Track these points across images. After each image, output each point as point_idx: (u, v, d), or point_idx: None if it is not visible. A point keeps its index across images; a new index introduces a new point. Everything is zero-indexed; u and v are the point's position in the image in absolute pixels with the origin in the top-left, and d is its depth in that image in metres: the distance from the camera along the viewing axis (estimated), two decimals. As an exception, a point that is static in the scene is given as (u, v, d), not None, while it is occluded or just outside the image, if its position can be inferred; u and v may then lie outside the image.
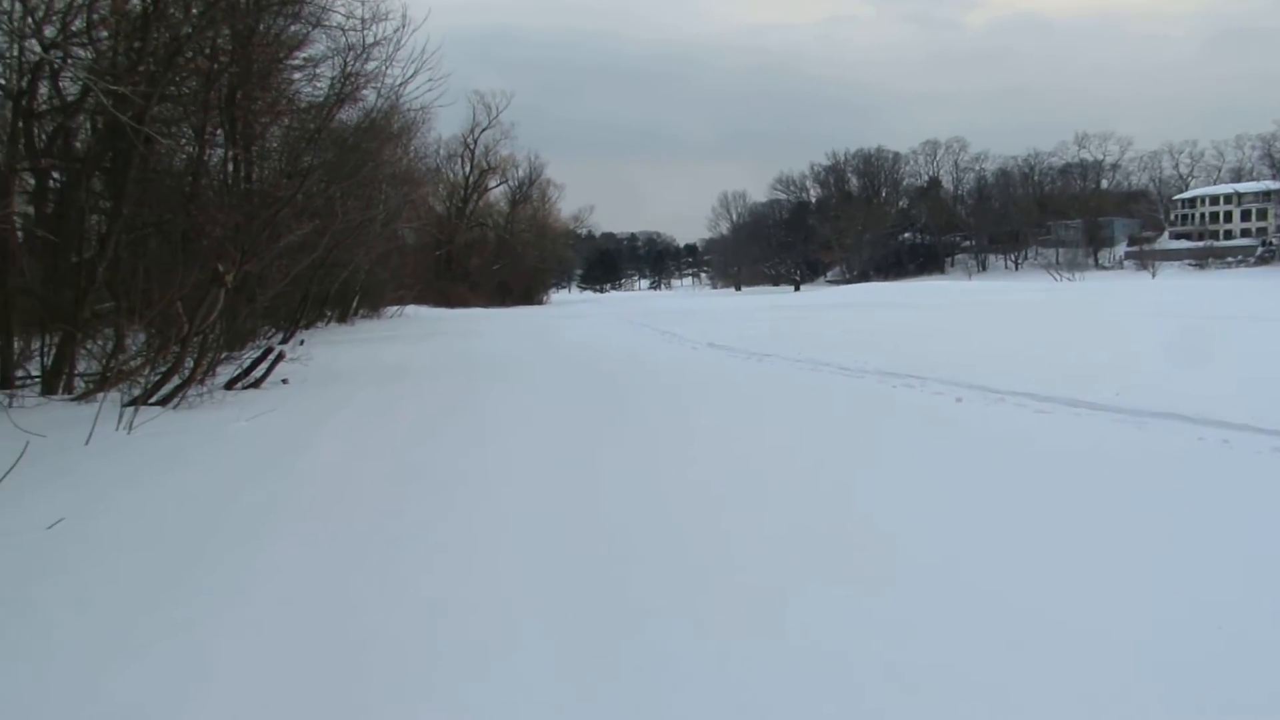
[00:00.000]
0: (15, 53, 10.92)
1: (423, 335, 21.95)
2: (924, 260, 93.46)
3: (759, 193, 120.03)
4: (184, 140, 13.57)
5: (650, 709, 2.42)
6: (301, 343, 16.27)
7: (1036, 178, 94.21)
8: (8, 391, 8.79)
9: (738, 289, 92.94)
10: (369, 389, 10.17)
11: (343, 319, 29.37)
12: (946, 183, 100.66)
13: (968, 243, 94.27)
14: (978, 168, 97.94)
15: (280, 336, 17.49)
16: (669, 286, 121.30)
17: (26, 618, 3.16)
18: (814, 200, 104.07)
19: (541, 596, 3.27)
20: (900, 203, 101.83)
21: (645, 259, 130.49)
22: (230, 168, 15.61)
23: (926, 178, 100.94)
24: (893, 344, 13.78)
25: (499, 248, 69.25)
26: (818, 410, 7.82)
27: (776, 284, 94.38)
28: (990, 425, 6.52)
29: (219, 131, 14.78)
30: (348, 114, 17.80)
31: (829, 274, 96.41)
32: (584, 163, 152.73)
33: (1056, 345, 13.10)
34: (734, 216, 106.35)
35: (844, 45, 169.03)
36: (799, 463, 5.58)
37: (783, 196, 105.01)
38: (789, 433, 6.72)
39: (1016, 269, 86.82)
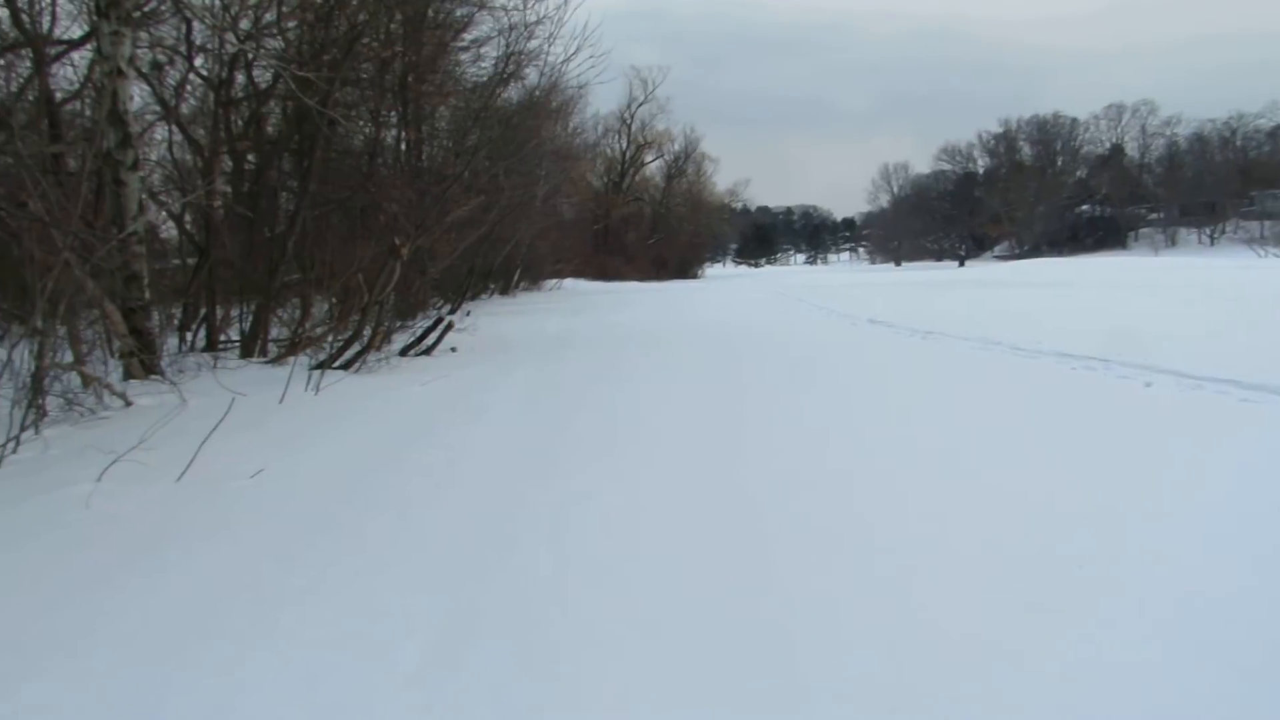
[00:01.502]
0: (217, 45, 11.90)
1: (582, 308, 22.46)
2: (1103, 234, 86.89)
3: (922, 164, 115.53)
4: (362, 122, 14.38)
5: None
6: (468, 313, 16.97)
7: (1239, 142, 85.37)
8: (213, 354, 9.67)
9: (898, 264, 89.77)
10: (534, 358, 10.50)
11: (505, 291, 30.45)
12: (1131, 150, 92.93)
13: (1154, 215, 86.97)
14: (1168, 133, 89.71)
15: (448, 307, 18.32)
16: (825, 261, 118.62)
17: (234, 559, 3.46)
18: (981, 171, 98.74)
19: (721, 568, 3.28)
20: (1078, 172, 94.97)
21: (801, 233, 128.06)
22: (403, 147, 16.43)
23: (1109, 145, 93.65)
24: (1069, 323, 12.91)
25: (655, 222, 69.74)
26: (1000, 394, 7.45)
27: (939, 259, 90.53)
28: (1187, 415, 6.00)
29: (393, 113, 15.58)
30: (510, 92, 18.36)
31: (996, 249, 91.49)
32: (739, 136, 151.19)
33: (1261, 329, 11.90)
34: (894, 189, 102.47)
35: (1010, 4, 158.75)
36: (965, 448, 5.33)
37: (948, 167, 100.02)
38: (964, 418, 6.43)
39: (1211, 244, 79.44)
